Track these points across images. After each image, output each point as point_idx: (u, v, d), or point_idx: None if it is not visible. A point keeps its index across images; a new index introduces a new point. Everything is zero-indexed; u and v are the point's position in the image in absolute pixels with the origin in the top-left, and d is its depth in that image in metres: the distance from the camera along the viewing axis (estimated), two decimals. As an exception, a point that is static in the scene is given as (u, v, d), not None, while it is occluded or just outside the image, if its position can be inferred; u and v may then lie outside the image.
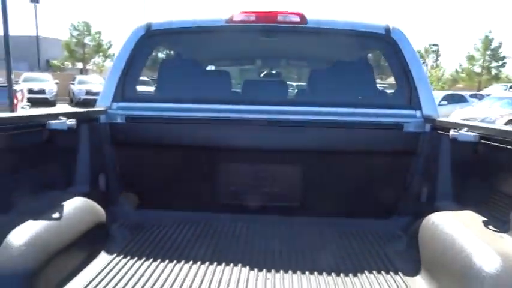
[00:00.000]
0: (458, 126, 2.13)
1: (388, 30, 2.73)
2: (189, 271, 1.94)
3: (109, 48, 38.60)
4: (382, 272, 2.00)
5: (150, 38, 2.82)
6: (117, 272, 1.92)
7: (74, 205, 2.10)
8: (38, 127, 2.04)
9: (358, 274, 1.97)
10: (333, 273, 1.97)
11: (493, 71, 44.21)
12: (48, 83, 25.19)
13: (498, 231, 1.76)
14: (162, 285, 1.80)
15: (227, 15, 2.78)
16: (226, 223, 2.58)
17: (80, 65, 38.68)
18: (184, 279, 1.86)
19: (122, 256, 2.10)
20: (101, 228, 2.22)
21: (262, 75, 3.76)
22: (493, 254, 1.59)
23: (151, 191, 2.74)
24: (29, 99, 14.54)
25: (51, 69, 35.35)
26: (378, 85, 3.38)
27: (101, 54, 38.08)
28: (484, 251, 1.63)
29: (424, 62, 50.67)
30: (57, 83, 26.00)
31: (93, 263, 2.00)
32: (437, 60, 50.08)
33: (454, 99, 20.73)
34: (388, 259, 2.15)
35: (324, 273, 1.97)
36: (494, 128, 1.99)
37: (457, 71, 46.44)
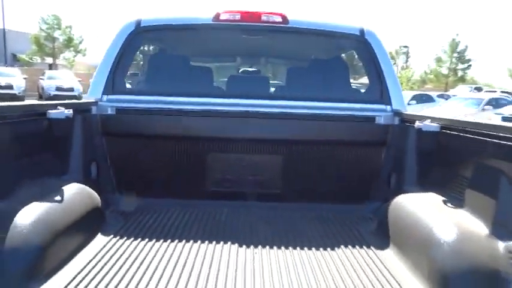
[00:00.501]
0: (422, 118, 2.40)
1: (362, 31, 2.97)
2: (181, 251, 2.10)
3: (80, 43, 37.69)
4: (357, 247, 2.23)
5: (139, 34, 2.95)
6: (115, 252, 2.06)
7: (74, 190, 2.22)
8: (38, 116, 2.16)
9: (336, 249, 2.19)
10: (313, 249, 2.18)
11: (459, 73, 46.07)
12: (16, 78, 24.16)
13: (455, 208, 2.03)
14: (157, 263, 1.94)
15: (213, 14, 2.94)
16: (214, 209, 2.75)
17: (49, 60, 37.53)
18: (178, 258, 2.01)
19: (118, 237, 2.24)
20: (98, 212, 2.35)
21: (245, 71, 3.95)
22: (450, 225, 1.85)
23: (141, 179, 2.88)
24: (-4, 95, 14.06)
25: (18, 64, 34.11)
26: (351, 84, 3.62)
27: (71, 49, 37.14)
28: (442, 223, 1.89)
29: (394, 63, 52.16)
30: (25, 78, 25.05)
31: (92, 243, 2.13)
32: (407, 61, 51.74)
33: (422, 99, 21.58)
34: (362, 237, 2.39)
35: (304, 248, 2.18)
36: (453, 119, 2.26)
37: (425, 72, 48.10)
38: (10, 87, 22.81)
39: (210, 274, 1.86)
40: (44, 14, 39.44)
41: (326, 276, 1.87)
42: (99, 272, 1.84)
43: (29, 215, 1.81)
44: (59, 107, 2.23)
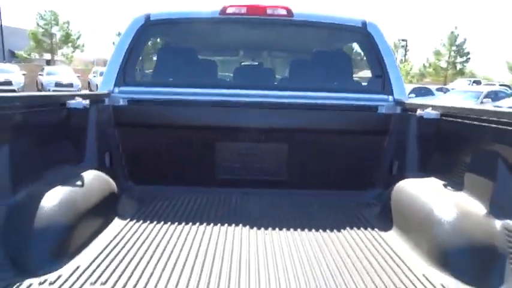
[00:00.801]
0: (423, 106, 2.50)
1: (364, 24, 3.06)
2: (195, 234, 2.19)
3: (78, 38, 37.65)
4: (361, 229, 2.34)
5: (148, 28, 3.04)
6: (133, 234, 2.16)
7: (92, 176, 2.33)
8: (60, 106, 2.26)
9: (341, 231, 2.31)
10: (320, 230, 2.29)
11: (458, 66, 46.13)
12: (15, 74, 24.17)
13: (454, 190, 2.14)
14: (173, 245, 2.03)
15: (220, 8, 3.04)
16: (223, 195, 2.86)
17: (47, 56, 37.49)
18: (193, 240, 2.11)
19: (134, 221, 2.34)
20: (114, 197, 2.46)
21: (249, 62, 4.05)
22: (450, 206, 1.96)
23: (152, 168, 2.98)
24: (-5, 92, 14.06)
25: (16, 60, 34.05)
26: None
27: (69, 44, 37.10)
28: (442, 204, 2.00)
29: (393, 57, 52.15)
30: (24, 74, 25.06)
31: (110, 226, 2.24)
32: (405, 55, 51.75)
33: (421, 92, 21.67)
34: (366, 220, 2.50)
35: (312, 230, 2.29)
36: (452, 106, 2.37)
37: (424, 66, 48.14)
38: (9, 83, 22.80)
39: (225, 253, 1.96)
40: (41, 9, 39.17)
41: (333, 255, 1.98)
42: (119, 252, 1.94)
43: (54, 198, 1.92)
44: (76, 98, 2.33)
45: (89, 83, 29.24)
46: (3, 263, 1.69)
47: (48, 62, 35.82)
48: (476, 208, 1.93)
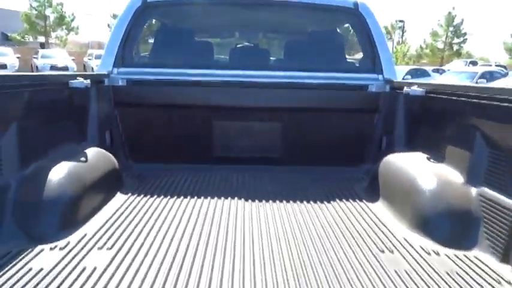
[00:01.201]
0: (410, 84, 2.62)
1: (356, 4, 3.15)
2: (193, 206, 2.33)
3: (72, 20, 37.13)
4: (350, 200, 2.49)
5: (145, 10, 3.11)
6: (134, 207, 2.29)
7: (96, 153, 2.45)
8: (62, 85, 2.36)
9: (331, 202, 2.45)
10: (311, 202, 2.44)
11: (455, 47, 45.95)
12: (9, 57, 24.04)
13: (436, 162, 2.29)
14: (173, 217, 2.16)
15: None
16: (220, 172, 2.99)
17: (41, 39, 37.02)
18: (192, 210, 2.25)
19: (135, 195, 2.47)
20: (116, 173, 2.59)
21: (245, 43, 4.13)
22: (431, 176, 2.11)
23: (150, 146, 3.11)
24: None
25: (9, 43, 33.64)
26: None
27: (64, 27, 36.61)
28: (424, 174, 2.14)
29: (390, 38, 51.87)
30: (18, 57, 24.87)
31: (113, 199, 2.37)
32: (402, 36, 51.43)
33: (417, 73, 21.71)
34: (355, 192, 2.65)
35: (304, 202, 2.44)
36: (435, 83, 2.49)
37: (421, 47, 47.91)
38: (4, 66, 22.66)
39: (221, 222, 2.11)
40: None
41: (322, 222, 2.13)
42: (122, 222, 2.08)
43: (61, 172, 2.05)
44: (78, 78, 2.43)
45: (84, 65, 29.06)
46: (16, 232, 1.83)
47: (42, 45, 35.39)
48: (455, 178, 2.08)
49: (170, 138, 3.11)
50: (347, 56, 3.54)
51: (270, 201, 2.43)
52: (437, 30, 44.50)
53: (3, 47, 27.00)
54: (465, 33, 45.24)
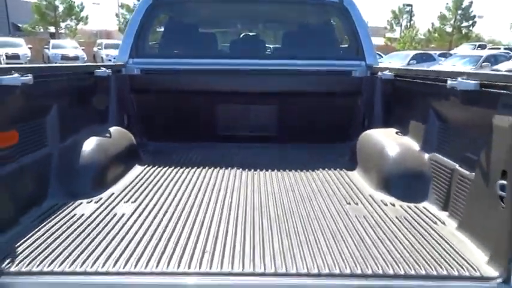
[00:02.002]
0: (383, 69, 3.05)
1: None
2: (199, 175, 2.80)
3: (81, 10, 37.63)
4: (332, 169, 2.93)
5: (155, 7, 3.55)
6: (151, 175, 2.77)
7: (118, 131, 2.93)
8: (89, 74, 2.84)
9: (315, 170, 2.89)
10: (298, 171, 2.89)
11: (464, 31, 45.44)
12: (22, 48, 24.51)
13: (401, 135, 2.72)
14: (188, 183, 2.61)
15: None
16: (224, 148, 3.45)
17: (51, 29, 37.62)
18: (204, 177, 2.70)
19: (150, 167, 2.95)
20: (134, 148, 3.07)
21: (245, 35, 4.57)
22: (395, 146, 2.55)
23: (163, 127, 3.58)
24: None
25: (19, 33, 34.26)
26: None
27: (73, 17, 37.14)
28: (391, 144, 2.59)
29: (398, 23, 51.45)
30: (30, 48, 25.39)
31: (132, 170, 2.86)
32: (411, 20, 50.94)
33: (422, 58, 21.85)
34: (338, 164, 3.08)
35: (292, 171, 2.89)
36: (401, 68, 2.91)
37: (429, 31, 47.44)
38: (17, 56, 23.16)
39: (222, 184, 2.56)
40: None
41: (305, 185, 2.58)
42: (142, 185, 2.55)
43: (92, 145, 2.53)
44: (101, 68, 2.91)
45: (94, 55, 29.59)
46: (59, 190, 2.32)
47: (52, 35, 36.00)
48: (414, 147, 2.52)
49: (179, 119, 3.58)
50: (334, 45, 3.95)
51: (264, 170, 2.89)
52: (445, 13, 44.07)
53: (16, 37, 27.61)
54: (474, 16, 44.65)
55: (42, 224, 1.92)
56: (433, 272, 1.55)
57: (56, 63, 23.82)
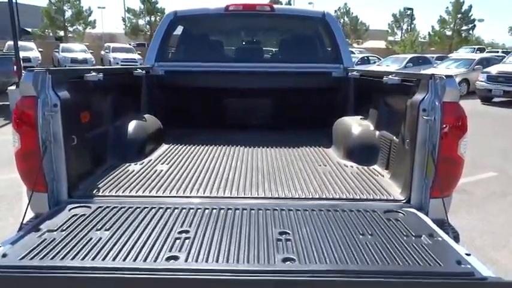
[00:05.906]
0: (353, 70, 3.96)
1: (323, 14, 4.46)
2: (213, 150, 3.69)
3: (89, 15, 38.79)
4: (313, 146, 3.80)
5: (176, 21, 4.49)
6: (176, 150, 3.68)
7: (150, 117, 3.83)
8: (130, 74, 3.77)
9: (301, 147, 3.76)
10: (287, 146, 3.79)
11: (464, 34, 46.25)
12: (33, 51, 25.30)
13: (363, 120, 3.62)
14: (205, 156, 3.46)
15: (224, 6, 4.46)
16: (230, 133, 4.33)
17: (60, 33, 38.72)
18: (219, 153, 3.53)
19: (174, 145, 3.85)
20: (161, 131, 3.97)
21: (246, 44, 5.54)
22: (357, 126, 3.44)
23: (182, 116, 4.49)
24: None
25: (27, 38, 35.27)
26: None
27: (81, 21, 38.30)
28: (354, 125, 3.48)
29: (399, 26, 52.37)
30: (40, 51, 26.21)
31: (160, 147, 3.76)
32: (411, 24, 51.85)
33: (419, 61, 22.60)
34: (318, 142, 3.95)
35: (283, 147, 3.79)
36: (364, 69, 3.80)
37: (429, 34, 48.25)
38: (28, 60, 23.78)
39: (229, 157, 3.46)
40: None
41: (291, 156, 3.46)
42: (169, 156, 3.44)
43: (135, 125, 3.44)
44: (138, 69, 3.84)
45: (101, 59, 30.56)
46: (114, 156, 3.22)
47: (60, 39, 37.05)
48: (369, 127, 3.41)
49: (194, 110, 4.50)
50: (318, 51, 4.87)
51: (261, 147, 3.80)
52: (445, 17, 44.99)
53: (27, 42, 28.61)
54: (473, 20, 45.49)
55: (109, 174, 2.84)
56: (366, 196, 2.46)
57: (65, 66, 24.67)
